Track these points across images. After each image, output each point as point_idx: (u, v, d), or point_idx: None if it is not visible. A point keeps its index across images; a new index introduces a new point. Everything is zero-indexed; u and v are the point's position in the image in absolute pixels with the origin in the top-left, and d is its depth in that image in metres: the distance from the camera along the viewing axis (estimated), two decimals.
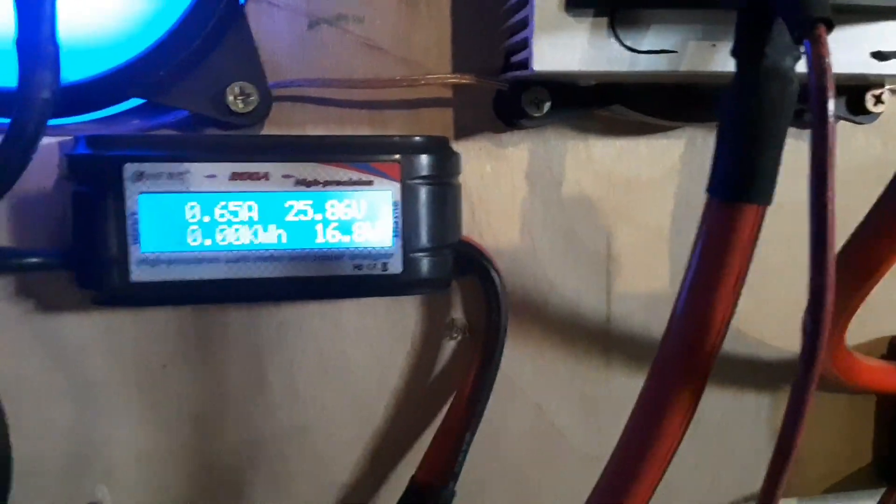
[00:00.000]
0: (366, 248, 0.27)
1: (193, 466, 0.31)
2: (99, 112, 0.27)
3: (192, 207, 0.26)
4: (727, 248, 0.19)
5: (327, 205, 0.27)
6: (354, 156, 0.27)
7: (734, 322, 0.20)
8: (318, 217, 0.27)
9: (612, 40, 0.24)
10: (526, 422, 0.33)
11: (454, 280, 0.30)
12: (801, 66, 0.18)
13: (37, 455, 0.29)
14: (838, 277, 0.17)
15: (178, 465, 0.30)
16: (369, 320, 0.31)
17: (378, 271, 0.28)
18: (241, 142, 0.27)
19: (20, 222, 0.28)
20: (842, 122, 0.32)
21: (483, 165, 0.31)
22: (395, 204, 0.28)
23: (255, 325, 0.30)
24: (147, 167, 0.26)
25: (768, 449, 0.35)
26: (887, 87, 0.31)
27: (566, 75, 0.26)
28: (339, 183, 0.27)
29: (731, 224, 0.19)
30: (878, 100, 0.31)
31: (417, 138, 0.28)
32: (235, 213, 0.27)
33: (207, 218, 0.27)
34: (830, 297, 0.17)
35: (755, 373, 0.35)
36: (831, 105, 0.17)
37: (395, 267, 0.28)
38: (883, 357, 0.36)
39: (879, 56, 0.26)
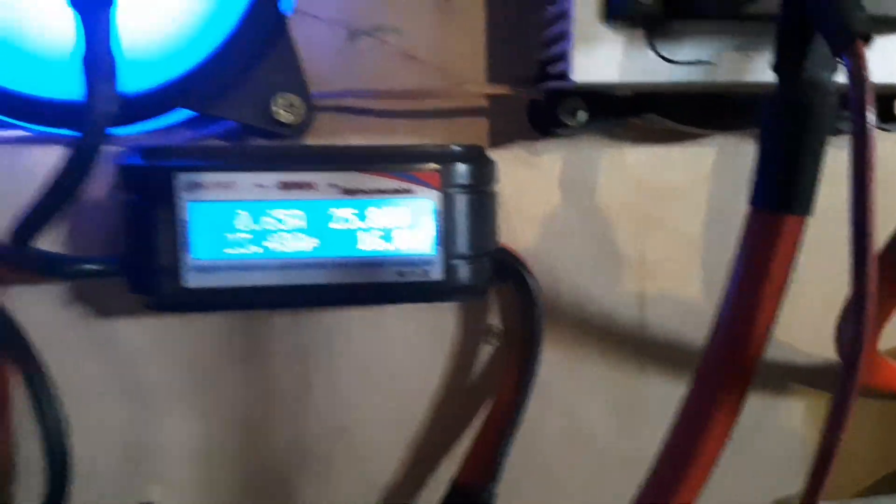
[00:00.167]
0: (408, 255, 0.28)
1: (241, 466, 0.31)
2: (150, 123, 0.28)
3: (241, 216, 0.27)
4: (770, 258, 0.19)
5: (371, 213, 0.28)
6: (396, 165, 0.28)
7: None
8: (362, 225, 0.28)
9: (650, 51, 0.25)
10: (560, 425, 0.33)
11: (491, 286, 0.31)
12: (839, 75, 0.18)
13: (92, 455, 0.29)
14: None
15: (227, 465, 0.31)
16: (409, 326, 0.32)
17: (420, 278, 0.28)
18: (288, 152, 0.28)
19: (74, 230, 0.29)
20: None
21: (517, 173, 0.32)
22: (436, 212, 0.28)
23: (299, 329, 0.31)
24: (197, 177, 0.27)
25: (799, 454, 0.35)
26: None
27: (604, 86, 0.26)
28: (382, 192, 0.28)
29: (773, 235, 0.19)
30: None
31: (456, 148, 0.29)
32: (283, 221, 0.27)
33: (256, 226, 0.27)
34: (872, 305, 0.17)
35: (786, 377, 0.35)
36: (871, 116, 0.17)
37: (437, 274, 0.28)
38: None
39: None
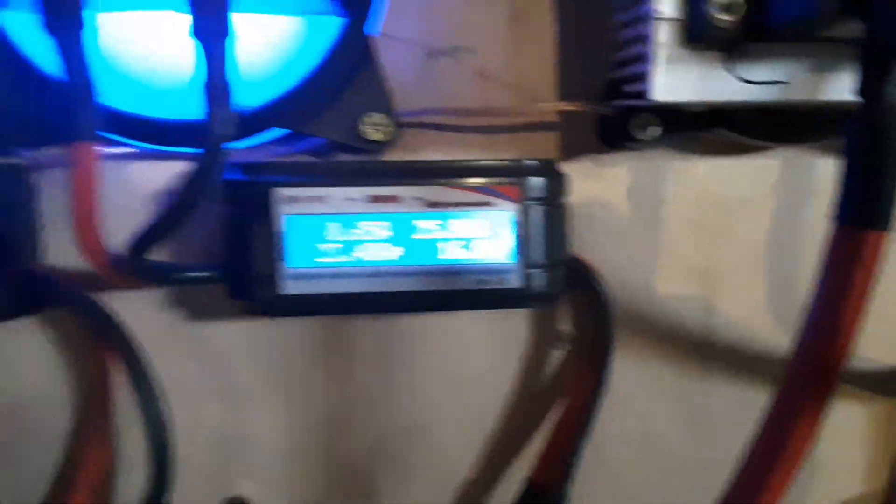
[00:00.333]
0: (488, 264, 0.29)
1: (326, 462, 0.33)
2: (248, 141, 0.30)
3: (332, 227, 0.29)
4: (853, 272, 0.20)
5: (453, 224, 0.29)
6: (477, 179, 0.29)
7: None
8: (445, 235, 0.29)
9: (727, 72, 0.25)
10: (628, 428, 0.34)
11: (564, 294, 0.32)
12: None
13: (187, 451, 0.31)
14: None
15: (313, 461, 0.33)
16: (484, 331, 0.33)
17: (499, 286, 0.29)
18: (376, 168, 0.29)
19: (174, 240, 0.30)
20: None
21: (586, 185, 0.33)
22: (514, 223, 0.29)
23: (381, 334, 0.32)
24: (293, 191, 0.28)
25: (861, 458, 0.36)
26: None
27: (680, 105, 0.27)
28: (463, 204, 0.29)
29: (856, 250, 0.20)
30: None
31: (532, 162, 0.30)
32: (371, 233, 0.29)
33: (345, 236, 0.29)
34: None
35: (849, 383, 0.36)
36: None
37: (515, 282, 0.29)
38: None
39: None
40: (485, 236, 0.29)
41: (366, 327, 0.32)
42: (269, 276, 0.28)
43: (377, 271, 0.29)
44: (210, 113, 0.23)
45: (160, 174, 0.30)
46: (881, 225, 0.20)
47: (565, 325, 0.33)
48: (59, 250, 0.30)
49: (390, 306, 0.30)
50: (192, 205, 0.24)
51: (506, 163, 0.30)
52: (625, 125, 0.30)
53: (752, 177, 0.34)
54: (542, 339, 0.33)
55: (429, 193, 0.29)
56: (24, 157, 0.29)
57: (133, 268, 0.26)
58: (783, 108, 0.29)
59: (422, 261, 0.29)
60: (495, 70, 0.32)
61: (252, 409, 0.32)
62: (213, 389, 0.32)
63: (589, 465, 0.33)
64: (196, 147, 0.27)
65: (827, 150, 0.33)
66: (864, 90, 0.20)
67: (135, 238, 0.26)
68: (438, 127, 0.32)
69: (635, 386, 0.34)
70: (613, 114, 0.31)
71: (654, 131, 0.29)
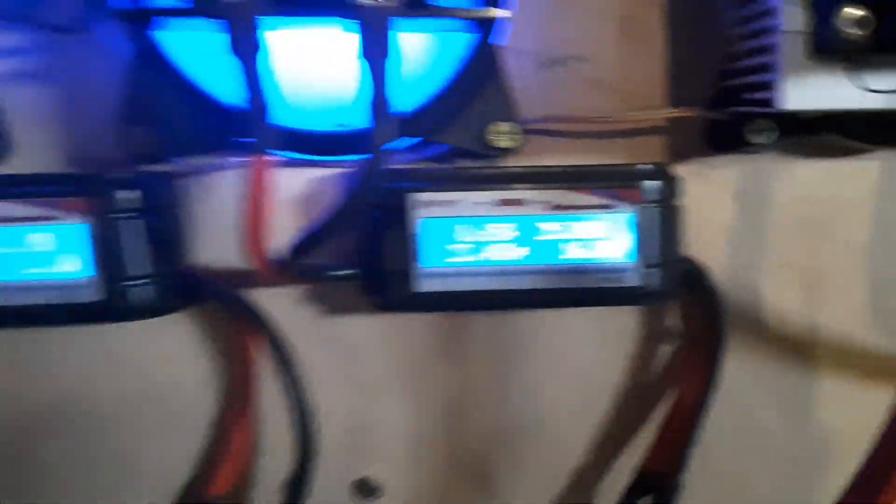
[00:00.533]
0: (608, 263, 0.31)
1: (446, 448, 0.35)
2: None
3: (462, 229, 0.30)
4: None
5: (575, 226, 0.30)
6: (598, 183, 0.30)
7: None
8: (568, 236, 0.30)
9: (851, 81, 0.26)
10: (735, 421, 0.35)
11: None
12: None
13: (321, 436, 0.33)
14: None
15: (434, 447, 0.34)
16: (596, 327, 0.34)
17: (618, 284, 0.31)
18: (503, 173, 0.31)
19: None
20: None
21: (695, 188, 0.34)
22: (634, 225, 0.30)
23: (498, 330, 0.34)
24: (426, 196, 0.30)
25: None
26: None
27: (804, 113, 0.28)
28: (585, 207, 0.30)
29: None
30: None
31: (648, 166, 0.31)
32: (497, 234, 0.30)
33: (474, 238, 0.30)
34: None
35: None
36: None
37: (634, 280, 0.31)
38: None
39: None
40: (605, 237, 0.31)
41: (484, 323, 0.34)
42: (404, 274, 0.30)
43: (503, 270, 0.30)
44: (374, 127, 0.25)
45: (298, 180, 0.32)
46: None
47: (673, 321, 0.35)
48: (205, 250, 0.32)
49: (515, 303, 0.31)
50: (356, 211, 0.26)
51: (623, 167, 0.31)
52: (737, 130, 0.31)
53: (856, 179, 0.34)
54: (651, 335, 0.35)
55: (553, 197, 0.30)
56: (175, 165, 0.31)
57: (290, 268, 0.28)
58: None
59: (545, 260, 0.31)
60: (607, 78, 0.33)
61: (379, 398, 0.34)
62: (344, 379, 0.34)
63: (696, 454, 0.34)
64: (339, 157, 0.29)
65: None
66: None
67: (297, 240, 0.28)
68: (553, 133, 0.33)
69: (741, 380, 0.35)
70: (726, 119, 0.32)
71: (771, 136, 0.30)
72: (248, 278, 0.32)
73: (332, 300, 0.33)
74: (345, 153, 0.31)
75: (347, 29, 0.26)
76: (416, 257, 0.30)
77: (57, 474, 0.33)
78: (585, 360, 0.34)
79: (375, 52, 0.24)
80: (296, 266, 0.28)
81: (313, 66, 0.29)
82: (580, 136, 0.33)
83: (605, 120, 0.32)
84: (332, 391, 0.34)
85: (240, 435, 0.33)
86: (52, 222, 0.28)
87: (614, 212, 0.30)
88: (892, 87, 0.26)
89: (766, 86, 0.27)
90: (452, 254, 0.30)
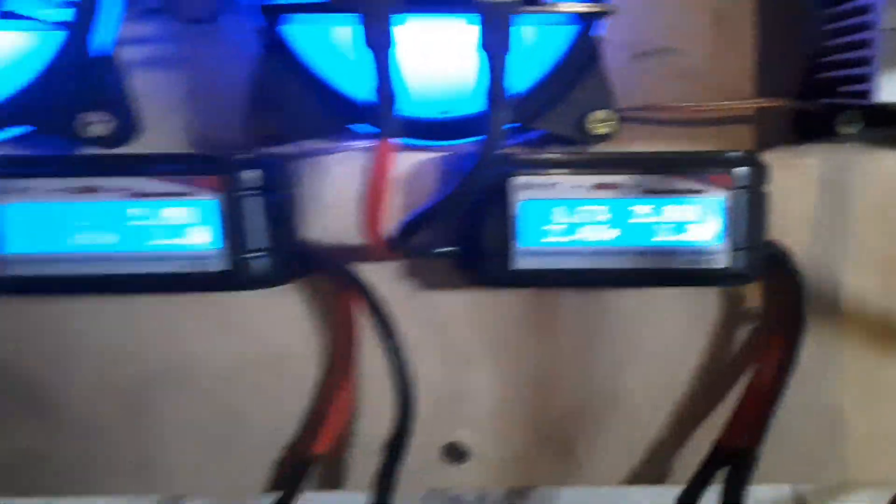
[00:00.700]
0: (697, 245, 0.32)
1: (530, 417, 0.36)
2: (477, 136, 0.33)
3: (559, 211, 0.32)
4: None
5: (667, 209, 0.32)
6: (692, 168, 0.32)
7: None
8: (659, 219, 0.32)
9: None
10: (810, 400, 0.36)
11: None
12: None
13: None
14: None
15: (519, 415, 0.36)
16: (677, 307, 0.36)
17: (707, 265, 0.32)
18: (598, 158, 0.32)
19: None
20: None
21: (780, 175, 0.35)
22: (725, 209, 0.32)
23: (584, 306, 0.35)
24: (527, 180, 0.32)
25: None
26: None
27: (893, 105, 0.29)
28: (677, 191, 0.32)
29: None
30: None
31: (739, 153, 0.32)
32: (593, 216, 0.32)
33: (571, 219, 0.32)
34: None
35: None
36: None
37: (722, 262, 0.32)
38: None
39: None
40: (695, 220, 0.32)
41: (571, 301, 0.36)
42: (503, 253, 0.32)
43: (596, 251, 0.32)
44: (491, 115, 0.26)
45: (402, 164, 0.34)
46: None
47: (754, 303, 0.36)
48: (316, 227, 0.34)
49: (606, 282, 0.33)
50: (470, 193, 0.28)
51: (715, 154, 0.32)
52: (825, 120, 0.32)
53: None
54: (731, 316, 0.36)
55: (647, 181, 0.32)
56: (293, 148, 0.33)
57: (400, 245, 0.30)
58: None
59: (637, 242, 0.32)
60: (698, 69, 0.34)
61: (470, 368, 0.36)
62: (437, 349, 0.36)
63: (771, 430, 0.35)
64: (443, 142, 0.31)
65: None
66: None
67: (407, 219, 0.30)
68: (646, 121, 0.34)
69: (817, 362, 0.36)
70: (814, 110, 0.32)
71: (858, 127, 0.31)
72: (354, 253, 0.34)
73: (428, 276, 0.35)
74: (449, 139, 0.32)
75: (470, 22, 0.27)
76: (515, 237, 0.32)
77: (175, 428, 0.36)
78: (667, 339, 0.36)
79: (496, 45, 0.26)
80: (405, 243, 0.30)
81: (428, 58, 0.31)
82: (671, 124, 0.34)
83: (696, 109, 0.34)
84: (427, 361, 0.36)
85: (342, 398, 0.35)
86: (186, 198, 0.30)
87: (705, 196, 0.32)
88: None
89: (862, 79, 0.28)
90: (549, 234, 0.32)
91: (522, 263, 0.32)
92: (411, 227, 0.29)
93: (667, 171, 0.32)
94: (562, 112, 0.32)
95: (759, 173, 0.32)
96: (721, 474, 0.34)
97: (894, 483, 0.35)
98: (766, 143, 0.35)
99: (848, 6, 0.29)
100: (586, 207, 0.32)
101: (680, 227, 0.32)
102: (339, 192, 0.34)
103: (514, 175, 0.31)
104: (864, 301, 0.36)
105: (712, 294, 0.36)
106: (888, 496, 0.33)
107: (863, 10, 0.28)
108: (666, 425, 0.36)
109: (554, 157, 0.32)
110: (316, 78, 0.31)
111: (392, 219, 0.32)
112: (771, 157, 0.34)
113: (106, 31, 0.31)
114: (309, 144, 0.33)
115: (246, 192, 0.31)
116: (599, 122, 0.32)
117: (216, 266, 0.31)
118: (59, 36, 0.30)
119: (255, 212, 0.31)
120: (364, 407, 0.36)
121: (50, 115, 0.30)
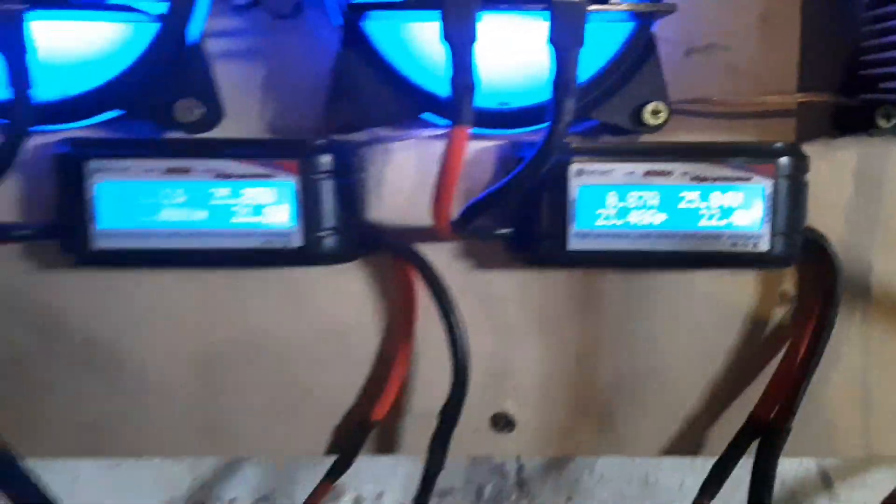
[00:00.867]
0: (741, 230, 0.34)
1: (574, 391, 0.38)
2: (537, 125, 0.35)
3: (612, 196, 0.34)
4: None
5: (713, 195, 0.34)
6: (737, 158, 0.33)
7: None
8: (707, 205, 0.34)
9: None
10: (841, 376, 0.38)
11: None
12: None
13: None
14: None
15: (563, 388, 0.38)
16: (714, 287, 0.37)
17: (750, 249, 0.34)
18: (651, 147, 0.34)
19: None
20: None
21: (819, 166, 0.36)
22: (767, 196, 0.33)
23: (626, 286, 0.37)
24: (584, 167, 0.33)
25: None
26: None
27: None
28: (724, 179, 0.33)
29: None
30: None
31: (782, 145, 0.34)
32: (643, 200, 0.34)
33: (622, 204, 0.34)
34: None
35: None
36: None
37: (764, 245, 0.34)
38: None
39: None
40: (739, 206, 0.34)
41: (614, 281, 0.38)
42: (560, 235, 0.34)
43: (646, 234, 0.34)
44: (557, 106, 0.28)
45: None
46: None
47: (789, 285, 0.38)
48: (382, 208, 0.36)
49: (654, 263, 0.35)
50: (532, 179, 0.29)
51: (760, 144, 0.34)
52: (864, 115, 0.34)
53: None
54: (767, 296, 0.38)
55: (695, 169, 0.33)
56: (364, 135, 0.35)
57: (464, 227, 0.32)
58: None
59: (685, 226, 0.34)
60: (744, 63, 0.36)
61: (518, 343, 0.38)
62: (488, 324, 0.38)
63: (802, 405, 0.37)
64: (502, 131, 0.33)
65: None
66: None
67: (472, 203, 0.32)
68: (694, 113, 0.36)
69: (848, 341, 0.38)
70: (854, 104, 0.34)
71: (893, 121, 0.33)
72: (414, 233, 0.36)
73: (482, 256, 0.37)
74: (506, 129, 0.34)
75: (536, 18, 0.29)
76: (572, 220, 0.34)
77: (241, 394, 0.38)
78: (705, 318, 0.38)
79: (567, 40, 0.28)
80: (466, 225, 0.32)
81: (490, 51, 0.33)
82: (718, 116, 0.36)
83: (742, 102, 0.35)
84: (479, 335, 0.38)
85: (399, 368, 0.37)
86: (266, 179, 0.32)
87: (750, 184, 0.33)
88: None
89: None
90: (602, 217, 0.34)
91: (577, 245, 0.34)
92: (474, 211, 0.31)
93: (714, 160, 0.33)
94: (617, 103, 0.34)
95: (801, 164, 0.34)
96: (752, 448, 0.37)
97: None
98: (807, 135, 0.36)
99: (891, 8, 0.31)
100: (638, 193, 0.34)
101: (725, 212, 0.34)
102: (403, 176, 0.36)
103: (572, 162, 0.33)
104: (892, 285, 0.38)
105: (749, 275, 0.38)
106: None
107: None
108: (701, 399, 0.39)
109: (609, 146, 0.34)
110: (392, 70, 0.33)
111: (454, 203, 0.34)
112: (811, 149, 0.36)
113: (196, 24, 0.32)
114: (378, 132, 0.35)
115: (320, 175, 0.33)
116: (652, 113, 0.34)
117: (292, 243, 0.33)
118: (153, 27, 0.31)
119: (328, 193, 0.33)
120: (417, 378, 0.38)
121: (142, 101, 0.32)
